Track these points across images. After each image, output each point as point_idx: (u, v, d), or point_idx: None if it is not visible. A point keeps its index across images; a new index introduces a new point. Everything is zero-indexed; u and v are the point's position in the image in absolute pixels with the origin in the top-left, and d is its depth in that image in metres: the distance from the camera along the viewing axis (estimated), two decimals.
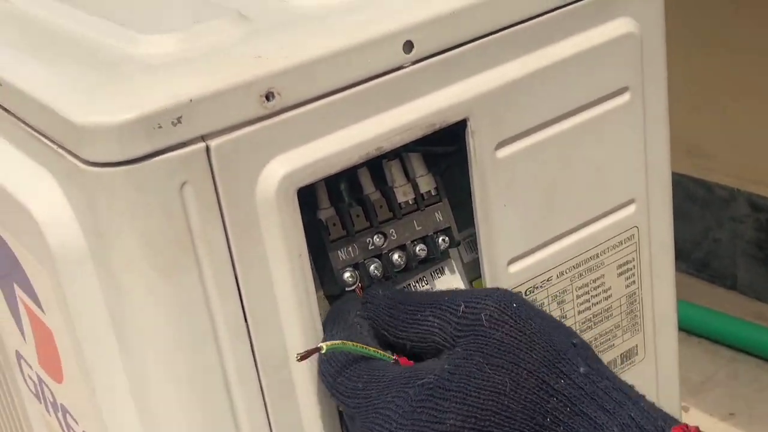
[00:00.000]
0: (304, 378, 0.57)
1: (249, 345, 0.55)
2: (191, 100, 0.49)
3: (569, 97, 0.63)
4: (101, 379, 0.57)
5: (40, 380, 0.71)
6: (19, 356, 0.74)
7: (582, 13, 0.62)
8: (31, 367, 0.72)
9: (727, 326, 1.61)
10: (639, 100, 0.66)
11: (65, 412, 0.68)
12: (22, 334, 0.70)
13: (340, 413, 0.59)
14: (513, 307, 0.52)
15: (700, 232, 1.71)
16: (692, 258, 1.73)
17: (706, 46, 1.54)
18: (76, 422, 0.66)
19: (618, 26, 0.64)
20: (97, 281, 0.54)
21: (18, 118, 0.57)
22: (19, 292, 0.66)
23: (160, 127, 0.49)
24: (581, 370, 0.50)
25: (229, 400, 0.55)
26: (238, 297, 0.54)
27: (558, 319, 0.66)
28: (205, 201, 0.51)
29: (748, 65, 1.56)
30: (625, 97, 0.66)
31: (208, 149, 0.50)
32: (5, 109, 0.58)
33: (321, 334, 0.57)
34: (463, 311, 0.52)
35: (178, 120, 0.49)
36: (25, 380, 0.76)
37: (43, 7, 0.67)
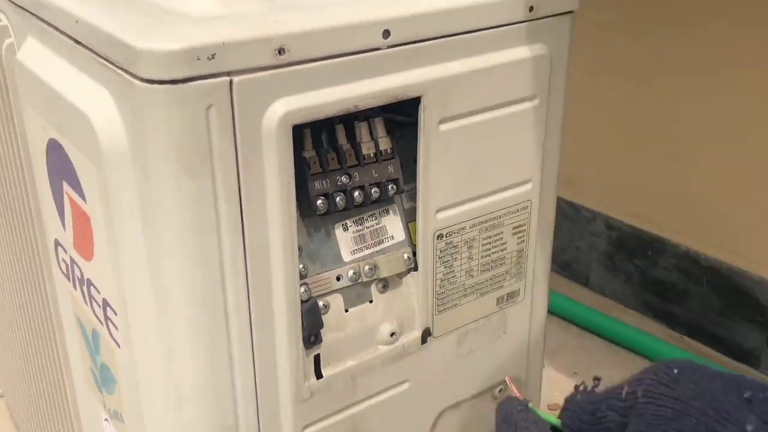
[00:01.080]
0: (278, 271, 0.57)
1: (242, 238, 0.55)
2: (224, 43, 0.49)
3: (494, 94, 0.64)
4: (127, 253, 0.57)
5: (72, 261, 0.70)
6: (57, 243, 0.73)
7: (512, 34, 0.64)
8: (66, 251, 0.71)
9: (577, 310, 1.64)
10: (544, 106, 0.68)
11: (90, 284, 0.67)
12: (63, 224, 0.69)
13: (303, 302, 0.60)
14: (672, 375, 0.42)
15: (566, 241, 1.74)
16: (558, 260, 1.76)
17: (591, 82, 1.57)
18: (98, 291, 0.65)
19: (536, 48, 0.65)
20: (133, 175, 0.54)
21: (86, 47, 0.56)
22: (66, 188, 0.65)
23: (198, 59, 0.49)
24: (748, 428, 0.40)
25: (221, 275, 0.55)
26: (238, 200, 0.54)
27: (467, 259, 0.66)
28: (223, 122, 0.51)
29: (613, 105, 1.60)
30: (534, 102, 0.67)
31: (231, 83, 0.51)
32: (75, 40, 0.58)
33: (296, 238, 0.57)
34: (626, 393, 0.44)
35: (212, 56, 0.49)
36: (59, 263, 0.75)
37: None
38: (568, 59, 0.68)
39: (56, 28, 0.61)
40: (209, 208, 0.53)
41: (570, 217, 1.71)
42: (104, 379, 0.72)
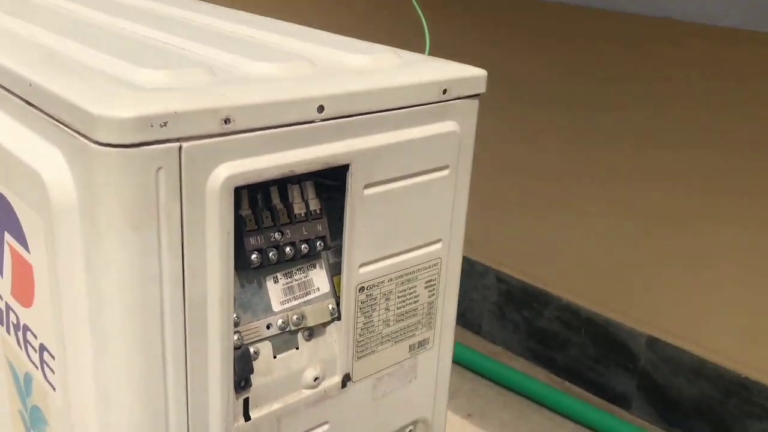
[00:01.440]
0: (214, 320, 0.58)
1: (182, 289, 0.55)
2: (176, 112, 0.51)
3: (412, 164, 0.67)
4: (69, 301, 0.56)
5: (8, 307, 0.68)
6: None
7: (428, 112, 0.67)
8: (1, 298, 0.69)
9: (471, 357, 1.68)
10: (454, 174, 0.71)
11: (27, 330, 0.65)
12: (0, 272, 0.67)
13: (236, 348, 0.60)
14: None
15: (461, 293, 1.78)
16: None
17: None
18: (35, 337, 0.63)
19: (448, 125, 0.69)
20: (81, 229, 0.53)
21: (39, 109, 0.56)
22: (8, 238, 0.64)
23: (152, 126, 0.50)
24: None
25: (161, 324, 0.55)
26: (181, 254, 0.54)
27: (384, 310, 0.68)
28: (171, 183, 0.52)
29: (504, 171, 1.67)
30: (446, 172, 0.70)
31: (180, 148, 0.52)
32: (27, 102, 0.57)
33: (232, 290, 0.58)
34: None
35: (165, 124, 0.50)
36: None
37: (57, 41, 0.67)
38: (474, 135, 0.72)
39: (7, 89, 0.60)
40: (153, 262, 0.53)
41: (465, 271, 1.76)
42: (34, 420, 0.69)
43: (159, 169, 0.51)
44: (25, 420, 0.71)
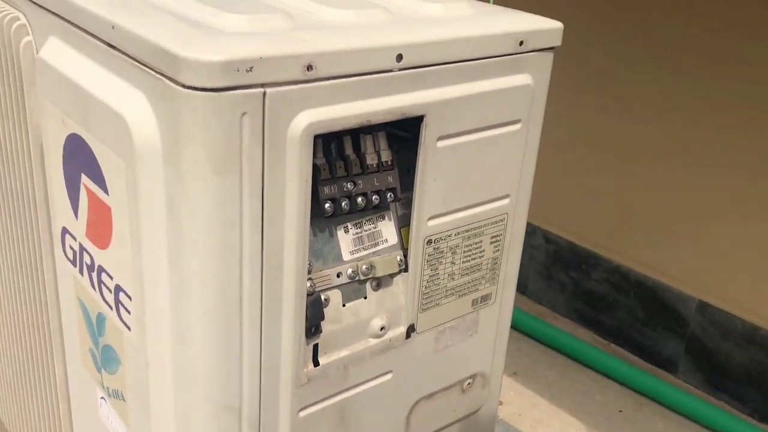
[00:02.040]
0: (289, 265, 0.59)
1: (260, 234, 0.56)
2: (261, 57, 0.51)
3: (486, 117, 0.67)
4: (148, 244, 0.58)
5: (82, 248, 0.70)
6: (65, 231, 0.73)
7: (502, 65, 0.67)
8: (75, 238, 0.71)
9: (517, 315, 1.69)
10: (525, 130, 0.71)
11: (101, 271, 0.67)
12: (75, 213, 0.69)
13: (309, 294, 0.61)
14: None
15: None
16: None
17: None
18: (111, 278, 0.65)
19: (522, 78, 0.69)
20: (163, 172, 0.54)
21: (122, 52, 0.57)
22: (85, 180, 0.65)
23: (238, 71, 0.50)
24: None
25: (240, 267, 0.56)
26: (260, 199, 0.55)
27: (450, 263, 0.69)
28: (254, 129, 0.53)
29: (557, 128, 1.65)
30: (518, 126, 0.70)
31: (264, 94, 0.52)
32: (110, 45, 0.58)
33: (308, 237, 0.59)
34: None
35: (250, 69, 0.51)
36: (64, 249, 0.74)
37: None
38: (547, 89, 0.71)
39: (88, 32, 0.61)
40: (235, 206, 0.54)
41: None
42: (106, 359, 0.72)
43: (243, 114, 0.52)
44: (96, 359, 0.74)
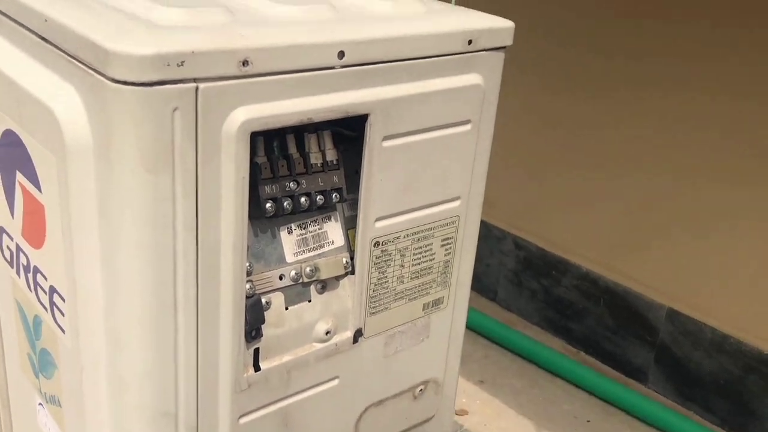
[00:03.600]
0: (227, 267, 0.59)
1: (195, 234, 0.56)
2: (193, 52, 0.51)
3: (433, 117, 0.67)
4: (81, 243, 0.57)
5: (18, 248, 0.69)
6: (1, 230, 0.72)
7: (451, 63, 0.67)
8: (12, 238, 0.70)
9: (486, 323, 1.69)
10: (475, 131, 0.71)
11: (37, 271, 0.66)
12: (11, 212, 0.68)
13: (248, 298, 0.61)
14: None
15: (477, 257, 1.79)
16: None
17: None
18: (45, 278, 0.65)
19: (472, 77, 0.69)
20: (95, 169, 0.54)
21: (53, 45, 0.56)
22: (20, 177, 0.65)
23: (168, 65, 0.50)
24: None
25: (173, 269, 0.56)
26: (195, 198, 0.55)
27: (399, 266, 0.69)
28: (187, 125, 0.53)
29: (528, 136, 1.66)
30: (468, 126, 0.71)
31: (197, 89, 0.52)
32: (42, 37, 0.58)
33: (246, 238, 0.59)
34: None
35: (182, 63, 0.51)
36: (2, 249, 0.73)
37: None
38: (498, 89, 0.72)
39: (20, 24, 0.61)
40: (167, 205, 0.54)
41: (482, 235, 1.77)
42: (43, 363, 0.71)
43: (175, 109, 0.52)
44: (34, 363, 0.73)
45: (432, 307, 0.77)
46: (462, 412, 1.47)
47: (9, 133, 0.64)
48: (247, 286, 0.62)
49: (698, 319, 1.48)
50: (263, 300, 0.64)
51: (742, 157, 1.36)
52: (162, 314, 0.57)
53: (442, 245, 0.75)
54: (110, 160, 0.53)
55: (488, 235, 1.77)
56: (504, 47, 0.71)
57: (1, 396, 0.86)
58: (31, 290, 0.69)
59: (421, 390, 0.81)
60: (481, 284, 1.82)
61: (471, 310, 1.68)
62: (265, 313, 0.64)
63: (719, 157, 1.39)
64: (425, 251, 0.73)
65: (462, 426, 1.44)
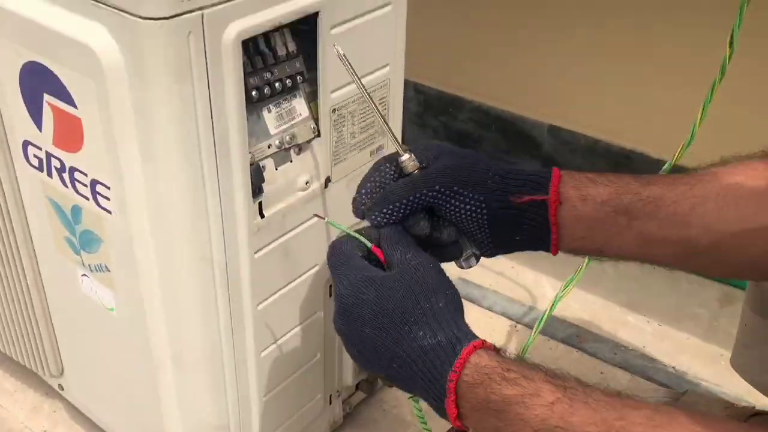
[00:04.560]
0: (235, 145, 0.78)
1: (211, 123, 0.75)
2: None
3: (363, 5, 0.86)
4: (122, 143, 0.75)
5: (49, 155, 0.86)
6: (27, 143, 0.88)
7: None
8: (40, 148, 0.86)
9: None
10: (395, 10, 0.91)
11: (74, 170, 0.84)
12: (39, 127, 0.84)
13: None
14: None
15: None
16: None
17: None
18: (85, 175, 0.82)
19: None
20: (128, 85, 0.72)
21: None
22: (47, 98, 0.80)
23: (181, 1, 0.67)
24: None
25: (198, 150, 0.75)
26: (208, 97, 0.74)
27: (351, 125, 0.90)
28: (198, 43, 0.70)
29: None
30: (389, 8, 0.90)
31: (203, 16, 0.70)
32: None
33: (245, 120, 0.78)
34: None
35: None
36: (27, 158, 0.89)
37: None
38: None
39: None
40: (190, 104, 0.73)
41: None
42: (85, 242, 0.90)
43: (189, 33, 0.69)
44: (74, 244, 0.92)
45: (376, 152, 1.00)
46: None
47: (31, 65, 0.79)
48: (249, 156, 0.82)
49: (574, 130, 1.78)
50: (260, 165, 0.84)
51: None
52: (193, 183, 0.77)
53: (379, 103, 0.96)
54: (144, 77, 0.70)
55: None
56: None
57: (30, 279, 1.04)
58: (67, 186, 0.86)
59: None
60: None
61: None
62: (263, 174, 0.85)
63: None
64: (368, 110, 0.95)
65: None
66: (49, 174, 0.88)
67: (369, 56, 0.91)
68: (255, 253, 0.87)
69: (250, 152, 0.83)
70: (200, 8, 0.69)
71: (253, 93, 0.81)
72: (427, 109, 1.96)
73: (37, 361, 1.13)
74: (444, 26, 1.85)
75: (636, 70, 1.61)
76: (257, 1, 0.74)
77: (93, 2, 0.70)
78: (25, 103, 0.84)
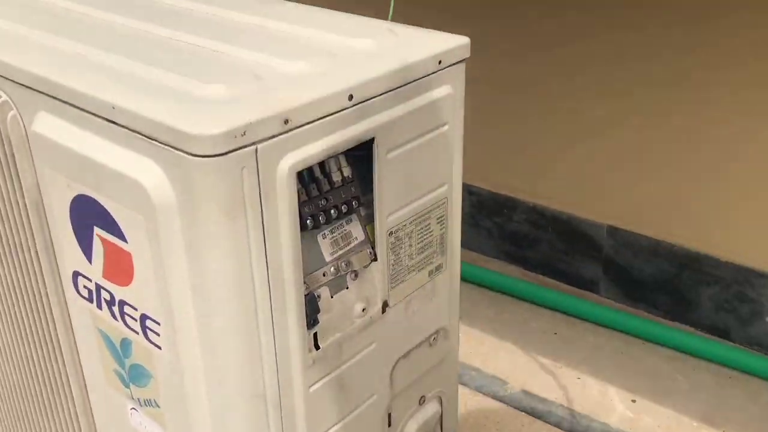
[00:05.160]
0: (289, 276, 0.75)
1: (264, 257, 0.72)
2: (251, 122, 0.66)
3: (421, 126, 0.84)
4: (173, 279, 0.72)
5: (99, 287, 0.83)
6: (77, 274, 0.86)
7: (429, 82, 0.83)
8: (90, 280, 0.84)
9: None
10: (452, 129, 0.88)
11: (123, 304, 0.81)
12: (89, 259, 0.82)
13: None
14: None
15: None
16: None
17: None
18: (135, 309, 0.79)
19: (444, 89, 0.85)
20: (180, 222, 0.69)
21: (125, 128, 0.70)
22: (98, 231, 0.78)
23: (235, 137, 0.65)
24: None
25: (252, 285, 0.72)
26: (262, 230, 0.70)
27: (408, 246, 0.86)
28: (251, 178, 0.68)
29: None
30: (446, 128, 0.87)
31: (256, 150, 0.67)
32: (110, 121, 0.71)
33: (300, 251, 0.75)
34: None
35: (243, 133, 0.65)
36: (77, 289, 0.87)
37: (100, 55, 0.80)
38: (464, 93, 0.88)
39: (84, 110, 0.74)
40: (243, 240, 0.69)
41: None
42: (134, 376, 0.86)
43: (243, 168, 0.67)
44: (123, 377, 0.88)
45: (435, 272, 0.95)
46: None
47: (82, 198, 0.78)
48: (303, 286, 0.78)
49: (634, 230, 1.71)
50: (315, 294, 0.80)
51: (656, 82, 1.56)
52: (247, 320, 0.73)
53: (438, 222, 0.92)
54: (196, 214, 0.68)
55: None
56: (464, 60, 0.87)
57: (79, 408, 1.00)
58: (117, 319, 0.83)
59: (434, 338, 1.00)
60: None
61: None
62: (318, 304, 0.81)
63: (644, 96, 1.59)
64: (426, 230, 0.91)
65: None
66: (99, 306, 0.85)
67: (427, 175, 0.87)
68: (310, 386, 0.82)
69: (305, 282, 0.79)
70: (253, 143, 0.67)
71: (308, 221, 0.78)
72: (481, 210, 1.92)
73: None
74: (495, 127, 1.82)
75: (701, 166, 1.55)
76: (312, 132, 0.72)
77: (144, 138, 0.68)
78: (75, 235, 0.82)
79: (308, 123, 0.71)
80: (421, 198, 0.88)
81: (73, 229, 0.82)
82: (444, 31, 0.87)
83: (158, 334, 0.78)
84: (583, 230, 1.76)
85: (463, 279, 1.90)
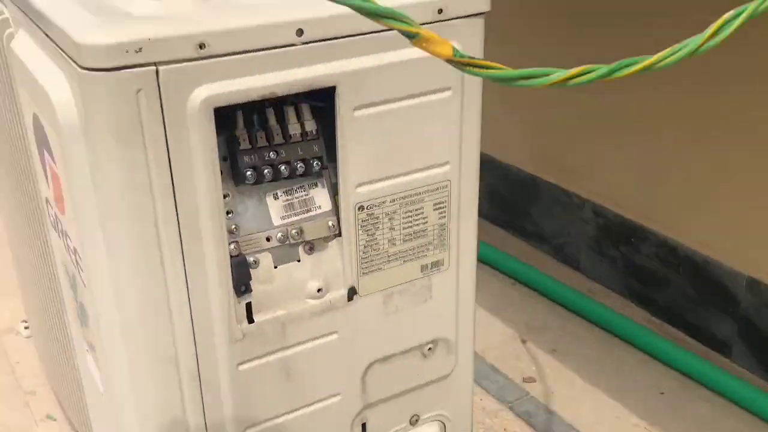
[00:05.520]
0: (207, 230, 0.65)
1: (173, 200, 0.63)
2: (149, 39, 0.58)
3: (407, 86, 0.70)
4: (83, 208, 0.66)
5: (55, 215, 0.79)
6: (47, 201, 0.83)
7: None
8: (51, 206, 0.81)
9: (562, 292, 1.68)
10: (458, 98, 0.74)
11: (66, 234, 0.76)
12: (48, 183, 0.79)
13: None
14: None
15: (558, 226, 1.78)
16: (553, 243, 1.81)
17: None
18: (71, 240, 0.74)
19: None
20: (84, 145, 0.62)
21: (50, 38, 0.65)
22: (45, 154, 0.74)
23: (127, 52, 0.57)
24: None
25: (156, 229, 0.64)
26: (168, 168, 0.62)
27: (389, 229, 0.73)
28: (152, 104, 0.60)
29: (605, 105, 1.63)
30: (448, 93, 0.73)
31: (157, 71, 0.59)
32: (44, 33, 0.67)
33: (222, 203, 0.65)
34: None
35: (139, 50, 0.57)
36: (49, 217, 0.84)
37: None
38: (481, 53, 0.73)
39: (33, 22, 0.70)
40: (142, 174, 0.61)
41: (562, 203, 1.75)
42: (81, 314, 0.81)
43: (139, 90, 0.58)
44: (79, 315, 0.84)
45: (431, 268, 0.81)
46: (529, 380, 1.48)
47: (35, 118, 0.74)
48: (232, 246, 0.69)
49: None
50: (251, 259, 0.70)
51: None
52: (147, 268, 0.65)
53: (435, 209, 0.78)
54: (91, 138, 0.61)
55: (569, 203, 1.75)
56: (482, 13, 0.72)
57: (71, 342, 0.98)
58: (67, 251, 0.79)
59: (430, 349, 0.85)
60: (563, 253, 1.81)
61: (548, 278, 1.68)
62: (253, 270, 0.70)
63: None
64: (416, 215, 0.77)
65: (528, 393, 1.45)
66: (60, 235, 0.81)
67: (418, 149, 0.74)
68: (239, 364, 0.72)
69: (236, 241, 0.69)
70: (155, 63, 0.58)
71: (248, 173, 0.68)
72: (606, 236, 1.69)
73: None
74: (630, 142, 1.60)
75: None
76: (239, 64, 0.62)
77: (58, 50, 0.63)
78: (39, 158, 0.79)
79: (236, 53, 0.61)
80: (407, 174, 0.75)
81: (37, 151, 0.79)
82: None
83: (83, 270, 0.73)
84: (719, 279, 1.48)
85: (573, 311, 1.70)
